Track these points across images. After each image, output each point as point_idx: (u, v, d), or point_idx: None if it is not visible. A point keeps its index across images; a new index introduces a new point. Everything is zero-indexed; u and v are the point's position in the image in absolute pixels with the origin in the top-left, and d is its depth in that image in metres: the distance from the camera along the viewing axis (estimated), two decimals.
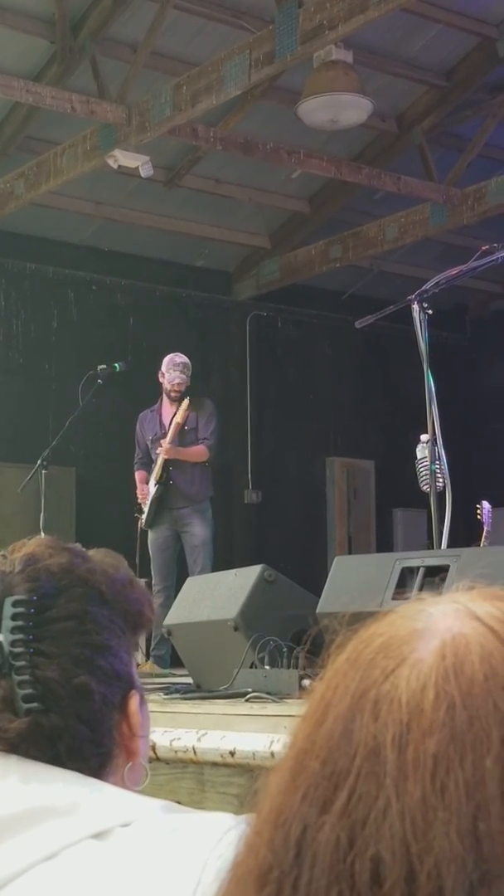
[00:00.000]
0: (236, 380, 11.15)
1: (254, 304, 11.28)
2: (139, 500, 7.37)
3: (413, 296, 4.77)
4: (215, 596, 4.32)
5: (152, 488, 7.27)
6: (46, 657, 1.08)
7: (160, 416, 7.43)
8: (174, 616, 4.49)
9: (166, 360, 7.41)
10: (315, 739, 0.58)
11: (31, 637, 1.08)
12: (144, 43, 7.92)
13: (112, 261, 10.44)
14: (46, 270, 10.13)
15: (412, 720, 0.55)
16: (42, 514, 7.22)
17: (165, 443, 7.13)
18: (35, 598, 1.09)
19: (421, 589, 3.48)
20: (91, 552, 1.19)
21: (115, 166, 8.11)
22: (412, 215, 9.76)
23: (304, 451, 11.47)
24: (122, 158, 8.00)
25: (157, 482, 7.22)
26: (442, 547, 4.62)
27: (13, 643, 1.07)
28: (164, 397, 7.43)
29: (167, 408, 7.41)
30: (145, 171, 8.17)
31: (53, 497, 7.57)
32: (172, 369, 7.33)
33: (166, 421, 7.35)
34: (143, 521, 7.36)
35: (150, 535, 7.38)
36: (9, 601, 1.09)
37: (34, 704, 1.06)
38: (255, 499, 11.06)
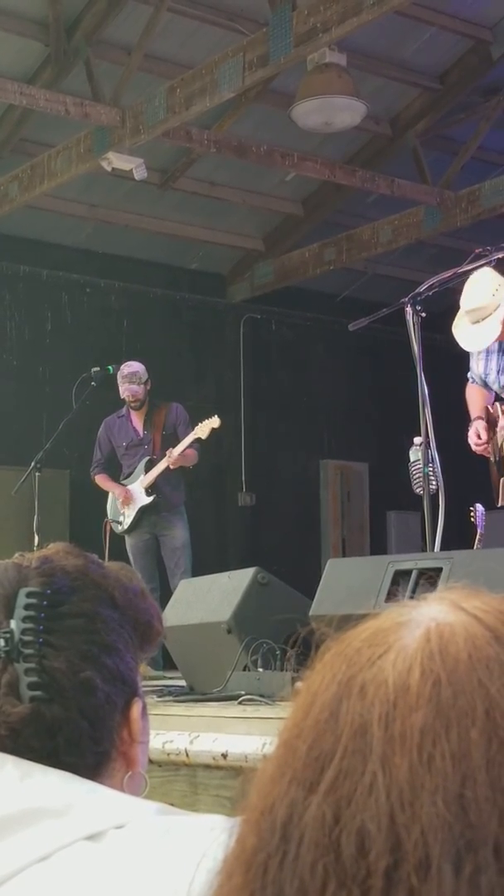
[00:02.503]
0: (230, 382, 11.16)
1: (248, 306, 11.29)
2: (121, 504, 7.36)
3: (407, 298, 4.79)
4: (209, 598, 4.32)
5: (143, 497, 7.31)
6: (55, 649, 1.10)
7: (131, 422, 7.51)
8: (168, 618, 4.48)
9: (118, 371, 7.47)
10: (302, 727, 0.59)
11: (41, 628, 1.10)
12: (138, 45, 7.93)
13: (106, 263, 10.44)
14: (40, 273, 10.13)
15: (398, 698, 0.56)
16: (36, 517, 7.22)
17: (174, 452, 7.17)
18: (49, 591, 1.12)
19: (414, 591, 3.48)
20: (107, 564, 1.23)
21: (109, 169, 8.11)
22: (406, 218, 9.77)
23: (298, 453, 11.47)
24: (116, 161, 8.00)
25: (150, 492, 7.28)
26: (435, 549, 4.63)
27: (24, 631, 1.10)
28: (128, 405, 7.53)
29: (134, 415, 7.51)
30: (139, 173, 8.17)
31: (47, 500, 7.57)
32: (122, 382, 7.44)
33: (138, 427, 7.47)
34: (123, 526, 7.37)
35: (130, 539, 7.44)
36: (23, 591, 1.12)
37: (38, 692, 1.08)
38: (248, 501, 11.06)
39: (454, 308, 5.17)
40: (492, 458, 5.52)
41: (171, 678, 5.01)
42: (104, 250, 10.43)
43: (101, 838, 0.98)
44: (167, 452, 7.22)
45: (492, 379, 5.42)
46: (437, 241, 10.42)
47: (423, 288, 4.81)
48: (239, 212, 10.54)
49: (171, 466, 7.20)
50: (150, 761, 2.77)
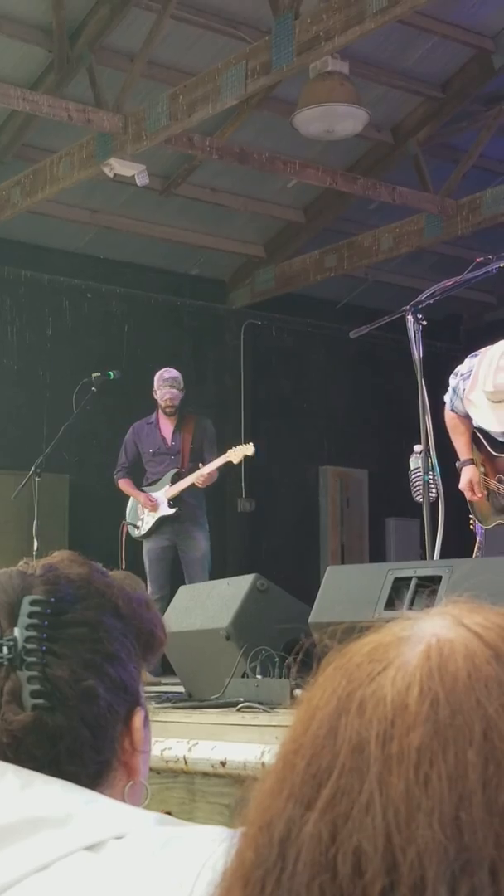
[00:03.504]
0: (230, 388, 11.15)
1: (248, 312, 11.29)
2: (147, 508, 7.40)
3: (408, 306, 4.79)
4: (207, 605, 4.31)
5: (165, 507, 7.38)
6: (58, 657, 1.10)
7: (160, 430, 7.57)
8: (166, 625, 4.48)
9: (157, 376, 7.59)
10: (301, 742, 0.59)
11: (45, 636, 1.11)
12: (141, 52, 7.94)
13: (107, 269, 10.44)
14: (42, 278, 10.13)
15: (396, 716, 0.56)
16: (35, 522, 7.22)
17: (203, 471, 7.25)
18: (53, 600, 1.13)
19: (413, 600, 3.48)
20: (112, 573, 1.23)
21: (111, 175, 8.12)
22: (407, 226, 9.78)
23: (298, 459, 11.47)
24: (118, 167, 8.01)
25: (173, 504, 7.36)
26: (435, 557, 4.63)
27: (27, 639, 1.10)
28: (160, 412, 7.57)
29: (165, 422, 7.53)
30: (141, 179, 8.18)
31: (47, 504, 7.57)
32: (162, 385, 7.51)
33: (167, 435, 7.54)
34: (141, 531, 7.42)
35: (147, 544, 7.50)
36: (27, 599, 1.12)
37: (41, 700, 1.09)
38: (248, 507, 11.05)
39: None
40: (489, 503, 5.41)
41: (167, 684, 5.00)
42: (105, 256, 10.43)
43: (100, 849, 0.98)
44: (198, 466, 7.30)
45: (496, 433, 5.24)
46: (439, 249, 10.43)
47: (424, 296, 4.81)
48: (240, 218, 10.55)
49: (199, 485, 7.25)
50: (149, 768, 2.77)
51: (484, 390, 4.79)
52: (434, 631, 0.60)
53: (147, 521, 7.44)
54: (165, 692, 4.42)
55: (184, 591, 4.78)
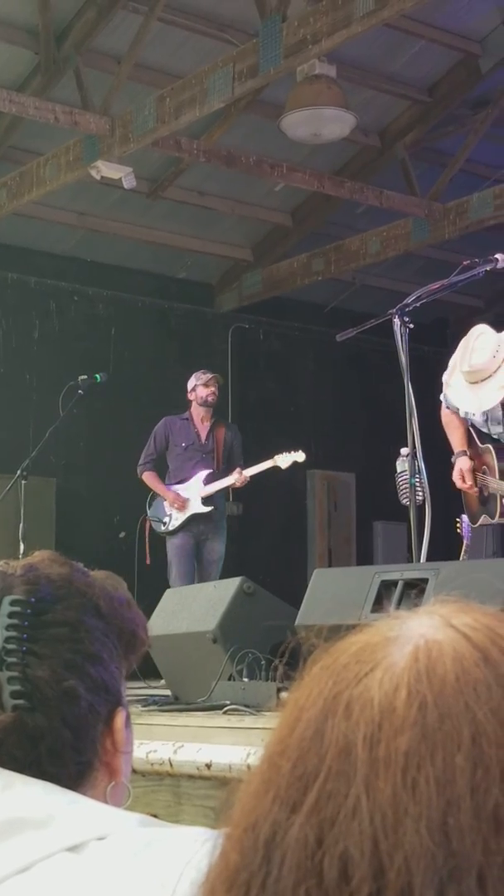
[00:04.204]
0: (218, 391, 11.13)
1: (236, 316, 11.29)
2: (175, 506, 7.44)
3: (394, 310, 4.79)
4: (194, 608, 4.31)
5: (199, 505, 7.48)
6: (38, 657, 1.09)
7: (194, 426, 7.75)
8: (153, 627, 4.47)
9: (197, 375, 7.80)
10: (287, 743, 0.58)
11: (25, 636, 1.10)
12: (128, 55, 7.93)
13: (94, 272, 10.43)
14: (28, 280, 10.12)
15: (384, 719, 0.56)
16: (21, 525, 7.20)
17: (246, 473, 7.49)
18: (33, 599, 1.12)
19: (399, 602, 3.48)
20: (93, 573, 1.22)
21: (98, 177, 8.11)
22: (394, 230, 9.80)
23: None
24: (105, 170, 8.00)
25: (208, 502, 7.53)
26: (421, 560, 4.63)
27: (7, 640, 1.09)
28: (198, 411, 7.76)
29: (200, 420, 7.73)
30: (128, 182, 8.17)
31: (33, 508, 7.56)
32: (202, 374, 7.75)
33: (202, 432, 7.70)
34: (167, 527, 7.51)
35: (175, 540, 7.60)
36: (7, 599, 1.12)
37: (21, 701, 1.08)
38: (235, 511, 11.04)
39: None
40: (476, 496, 5.49)
41: (153, 687, 4.98)
42: (92, 258, 10.42)
43: (82, 850, 0.98)
44: (237, 470, 7.46)
45: (478, 422, 5.37)
46: (426, 253, 10.45)
47: (410, 299, 4.81)
48: (228, 221, 10.55)
49: (240, 485, 7.41)
50: (134, 771, 2.76)
51: (462, 371, 4.91)
52: (422, 631, 0.59)
53: (175, 517, 7.53)
54: (152, 695, 4.41)
55: (170, 594, 4.77)
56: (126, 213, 9.98)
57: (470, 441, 5.45)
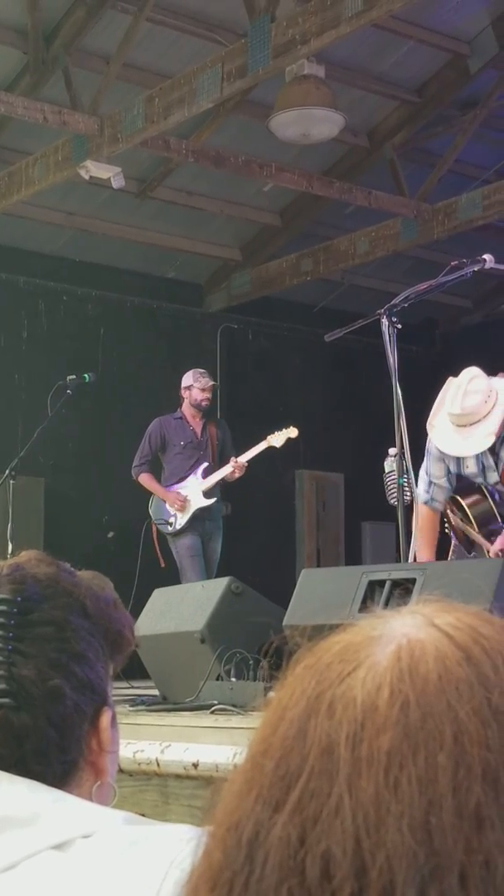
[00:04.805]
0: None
1: (225, 316, 11.29)
2: (174, 507, 7.40)
3: (382, 310, 4.79)
4: (182, 608, 4.31)
5: (201, 499, 7.42)
6: (24, 656, 1.09)
7: (189, 424, 7.73)
8: (141, 627, 4.47)
9: (193, 373, 7.77)
10: (270, 742, 0.58)
11: (11, 635, 1.10)
12: (117, 55, 7.93)
13: (83, 271, 10.42)
14: (17, 280, 10.10)
15: (366, 718, 0.56)
16: (10, 525, 7.19)
17: (241, 459, 7.45)
18: (19, 599, 1.12)
19: (387, 602, 3.49)
20: (80, 573, 1.22)
21: (86, 177, 8.10)
22: (383, 230, 9.80)
23: (274, 463, 11.45)
24: (94, 169, 7.99)
25: (210, 494, 7.49)
26: (409, 560, 4.64)
27: None
28: (189, 410, 7.74)
29: (193, 418, 7.72)
30: (117, 182, 8.16)
31: (21, 508, 7.54)
32: (200, 377, 7.73)
33: (198, 430, 7.69)
34: (175, 527, 7.46)
35: (183, 540, 7.56)
36: None
37: (6, 700, 1.08)
38: (224, 510, 11.04)
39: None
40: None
41: (140, 687, 4.98)
42: (81, 258, 10.41)
43: (67, 847, 0.98)
44: (230, 460, 7.44)
45: (471, 473, 5.15)
46: (414, 254, 10.46)
47: (399, 299, 4.82)
48: (217, 222, 10.55)
49: (238, 474, 7.31)
50: (121, 771, 2.76)
51: (450, 412, 4.76)
52: (405, 631, 0.60)
53: (181, 516, 7.50)
54: (139, 695, 4.41)
55: (158, 594, 4.77)
56: (115, 213, 9.97)
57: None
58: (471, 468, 5.05)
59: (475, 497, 5.26)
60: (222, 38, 8.03)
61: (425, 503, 5.12)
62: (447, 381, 4.94)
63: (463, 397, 4.76)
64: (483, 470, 5.02)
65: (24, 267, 10.08)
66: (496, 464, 4.95)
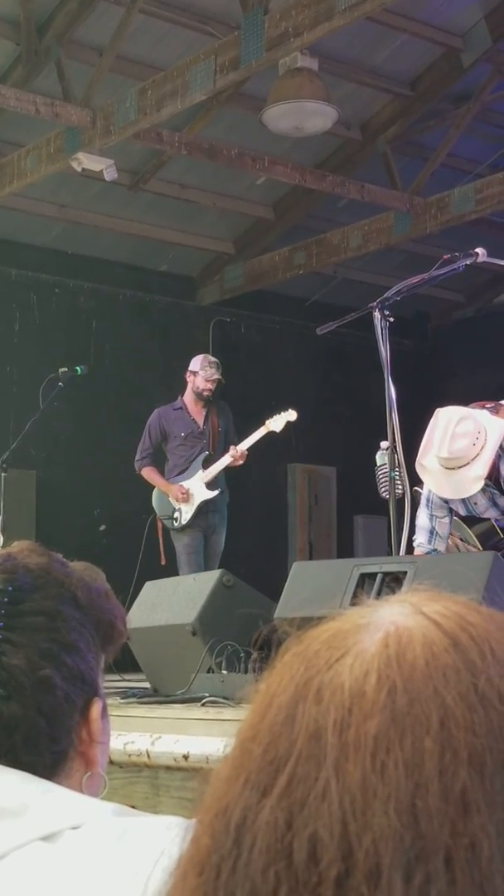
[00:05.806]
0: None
1: (217, 309, 11.28)
2: (178, 500, 7.33)
3: (375, 303, 4.79)
4: (174, 600, 4.31)
5: (205, 491, 7.31)
6: (14, 646, 1.10)
7: (189, 414, 7.61)
8: (132, 620, 4.47)
9: (200, 360, 7.64)
10: (259, 728, 0.59)
11: (1, 625, 1.10)
12: (110, 46, 7.91)
13: (75, 264, 10.41)
14: (9, 272, 10.08)
15: (354, 704, 0.56)
16: (1, 517, 7.18)
17: (240, 447, 7.31)
18: (10, 588, 1.12)
19: (378, 594, 3.49)
20: (72, 563, 1.22)
21: (79, 169, 8.09)
22: (376, 223, 9.81)
23: (266, 456, 11.44)
24: (87, 162, 7.98)
25: (213, 486, 7.38)
26: (401, 553, 4.64)
27: None
28: (191, 396, 7.62)
29: (194, 407, 7.56)
30: (109, 174, 8.15)
31: (13, 500, 7.53)
32: (209, 366, 7.59)
33: (199, 420, 7.57)
34: (180, 522, 7.36)
35: (184, 537, 7.44)
36: None
37: None
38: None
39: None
40: None
41: (132, 680, 4.99)
42: (73, 251, 10.39)
43: (56, 839, 0.98)
44: (230, 448, 7.30)
45: (481, 511, 5.08)
46: (407, 247, 10.47)
47: (391, 293, 4.81)
48: (209, 214, 10.54)
49: (239, 461, 7.24)
50: (112, 762, 2.76)
51: (438, 455, 4.70)
52: (392, 619, 0.60)
53: (186, 511, 7.38)
54: (131, 688, 4.41)
55: (150, 587, 4.77)
56: (107, 206, 9.96)
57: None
58: (480, 504, 5.00)
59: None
60: (215, 30, 8.02)
61: (427, 553, 5.00)
62: (435, 414, 4.85)
63: (451, 441, 4.66)
64: (492, 499, 4.96)
65: (15, 259, 10.06)
66: (501, 490, 4.90)
